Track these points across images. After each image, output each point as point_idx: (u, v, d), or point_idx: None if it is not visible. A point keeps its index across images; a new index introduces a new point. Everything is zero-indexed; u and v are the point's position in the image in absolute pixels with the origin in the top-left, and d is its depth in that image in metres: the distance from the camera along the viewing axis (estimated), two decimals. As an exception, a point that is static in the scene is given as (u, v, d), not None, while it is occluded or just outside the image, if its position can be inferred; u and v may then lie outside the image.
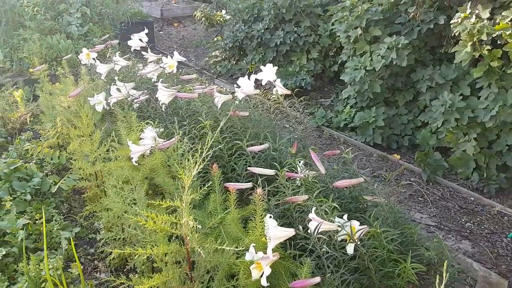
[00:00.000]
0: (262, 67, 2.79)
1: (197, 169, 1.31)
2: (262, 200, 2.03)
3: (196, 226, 1.27)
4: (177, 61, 3.10)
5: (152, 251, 1.34)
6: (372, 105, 3.89)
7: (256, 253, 1.48)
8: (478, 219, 2.90)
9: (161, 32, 7.54)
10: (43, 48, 4.66)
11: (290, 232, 1.53)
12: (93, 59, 3.37)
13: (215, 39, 6.36)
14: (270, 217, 1.55)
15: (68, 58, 3.45)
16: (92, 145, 2.08)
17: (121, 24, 6.11)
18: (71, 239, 1.86)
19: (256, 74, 2.73)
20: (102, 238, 1.98)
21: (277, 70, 5.04)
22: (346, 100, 4.17)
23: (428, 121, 3.51)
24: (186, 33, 7.50)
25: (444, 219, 2.90)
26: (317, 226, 1.60)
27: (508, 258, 2.54)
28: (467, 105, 3.17)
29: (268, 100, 2.84)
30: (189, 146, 2.12)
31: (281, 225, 2.05)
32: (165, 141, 2.07)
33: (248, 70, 5.33)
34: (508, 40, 2.81)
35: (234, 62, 5.61)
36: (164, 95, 2.43)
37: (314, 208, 1.68)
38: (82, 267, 1.91)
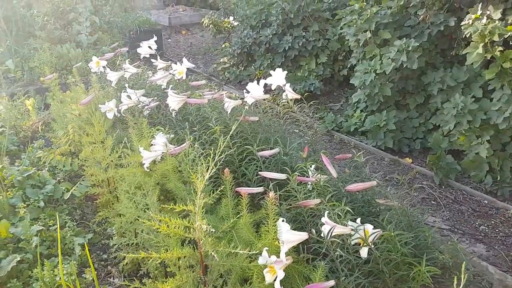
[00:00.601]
0: (271, 71, 2.79)
1: (210, 174, 1.31)
2: (274, 204, 2.03)
3: (209, 230, 1.26)
4: (186, 68, 3.13)
5: (166, 255, 1.34)
6: (383, 108, 3.87)
7: (269, 257, 1.47)
8: (492, 222, 2.85)
9: (170, 39, 7.62)
10: (53, 57, 4.73)
11: (303, 235, 1.52)
12: (103, 67, 3.41)
13: (223, 45, 6.40)
14: (283, 220, 1.54)
15: (78, 67, 3.50)
16: (104, 152, 2.10)
17: (129, 33, 6.19)
18: (85, 245, 1.87)
19: (265, 79, 2.74)
20: (115, 244, 1.99)
21: (286, 75, 5.05)
22: (356, 104, 4.15)
23: (440, 124, 3.48)
24: (194, 40, 7.56)
25: (458, 222, 2.86)
26: (330, 229, 1.59)
27: (525, 262, 2.49)
28: (479, 107, 3.13)
29: (277, 105, 2.84)
30: (200, 151, 2.13)
31: (293, 229, 2.05)
32: (176, 147, 2.08)
33: (256, 76, 5.35)
34: (520, 40, 2.78)
35: (243, 68, 5.63)
36: (174, 101, 2.45)
37: (327, 212, 1.67)
38: (95, 272, 1.91)
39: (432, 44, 3.66)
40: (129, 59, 3.88)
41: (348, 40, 4.09)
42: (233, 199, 2.03)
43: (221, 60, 5.88)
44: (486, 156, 3.06)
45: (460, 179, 3.33)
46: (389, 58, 3.53)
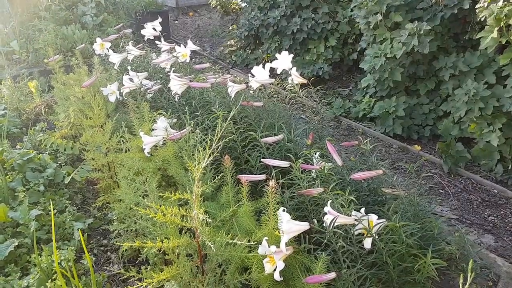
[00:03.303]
0: (277, 55, 2.71)
1: (207, 161, 1.26)
2: (276, 193, 1.98)
3: (206, 220, 1.22)
4: (191, 51, 3.05)
5: (162, 244, 1.31)
6: (392, 94, 3.77)
7: (269, 247, 1.43)
8: (502, 212, 2.78)
9: (176, 21, 7.50)
10: (58, 38, 4.67)
11: (304, 226, 1.47)
12: (107, 49, 3.35)
13: (230, 28, 6.28)
14: (284, 210, 1.49)
15: (81, 48, 3.44)
16: (104, 136, 2.06)
17: (136, 14, 6.09)
18: (81, 231, 1.84)
19: (272, 63, 2.66)
20: (115, 230, 1.96)
21: (294, 58, 4.95)
22: (365, 89, 4.05)
23: (451, 110, 3.38)
24: (201, 22, 7.43)
25: (466, 212, 2.79)
26: (332, 219, 1.54)
27: (534, 254, 2.42)
28: (492, 94, 3.02)
29: (283, 90, 2.76)
30: (201, 137, 2.08)
31: (295, 218, 2.00)
32: (176, 132, 2.02)
33: (263, 59, 5.24)
34: (538, 24, 2.65)
35: (250, 52, 5.52)
36: (176, 84, 2.39)
37: (330, 201, 1.62)
38: (94, 258, 1.90)
39: (445, 28, 3.53)
40: (133, 41, 3.82)
41: (359, 22, 3.96)
42: (235, 186, 1.99)
43: (228, 43, 5.77)
44: (498, 145, 2.97)
45: (469, 167, 3.25)
46: (400, 42, 3.41)
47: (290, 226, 1.42)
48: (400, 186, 2.18)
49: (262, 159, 1.97)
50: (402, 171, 3.21)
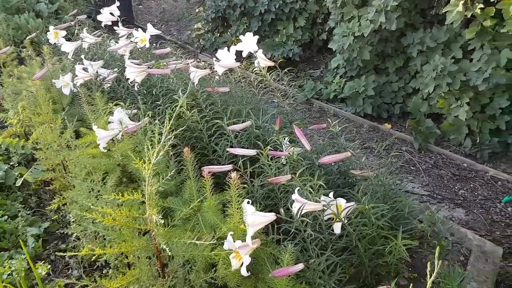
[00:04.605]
0: (241, 37, 2.60)
1: (157, 158, 1.16)
2: (245, 183, 1.90)
3: (158, 221, 1.13)
4: (157, 36, 2.89)
5: (112, 250, 1.21)
6: (362, 73, 3.72)
7: (234, 241, 1.36)
8: (472, 185, 2.81)
9: (140, 5, 7.20)
10: (11, 29, 4.38)
11: (270, 217, 1.41)
12: (63, 37, 3.14)
13: (197, 10, 6.06)
14: (248, 202, 1.41)
15: (33, 38, 3.21)
16: (53, 133, 1.91)
17: (95, 0, 5.79)
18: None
19: (236, 45, 2.55)
20: (74, 233, 1.84)
21: (263, 40, 4.81)
22: (335, 70, 3.99)
23: (419, 87, 3.37)
24: (166, 6, 7.16)
25: (437, 187, 2.81)
26: (300, 207, 1.48)
27: (502, 224, 2.46)
28: (459, 69, 3.01)
29: (251, 73, 2.66)
30: (160, 128, 1.97)
31: (265, 207, 1.94)
32: (132, 124, 1.91)
33: (233, 42, 5.09)
34: (501, -4, 2.63)
35: (218, 35, 5.35)
36: (133, 72, 2.25)
37: (297, 189, 1.55)
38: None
39: (412, 4, 3.48)
40: (88, 28, 3.60)
41: (326, 1, 3.87)
42: (201, 179, 1.91)
43: (195, 26, 5.57)
44: (466, 119, 2.98)
45: (439, 143, 3.27)
46: (367, 19, 3.35)
47: (255, 219, 1.35)
48: (372, 166, 2.14)
49: (228, 149, 1.89)
50: (374, 150, 3.20)
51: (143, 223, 1.21)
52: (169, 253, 1.13)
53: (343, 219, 1.59)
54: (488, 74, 2.83)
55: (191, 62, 2.46)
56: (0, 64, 3.03)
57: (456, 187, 2.80)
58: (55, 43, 3.14)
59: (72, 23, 3.44)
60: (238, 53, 2.53)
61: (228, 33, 5.15)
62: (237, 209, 1.41)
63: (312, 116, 3.76)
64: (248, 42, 2.54)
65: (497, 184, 2.79)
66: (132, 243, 1.17)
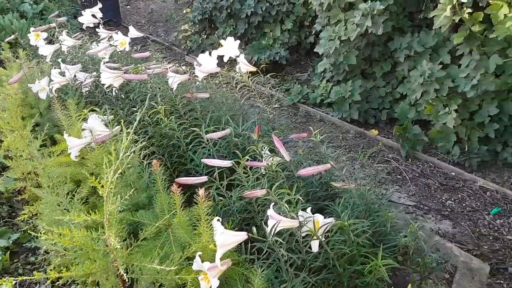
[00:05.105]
0: (222, 41, 2.53)
1: (115, 176, 1.07)
2: (222, 195, 1.82)
3: (115, 244, 1.05)
4: (142, 36, 2.79)
5: (78, 272, 1.13)
6: (349, 78, 3.66)
7: (202, 262, 1.27)
8: (459, 196, 2.75)
9: (128, 6, 7.09)
10: (-7, 29, 4.26)
11: (241, 236, 1.33)
12: (44, 39, 3.04)
13: (184, 11, 5.97)
14: (219, 220, 1.33)
15: (11, 40, 3.11)
16: (22, 141, 1.82)
17: (81, 0, 5.67)
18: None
19: (217, 50, 2.49)
20: (43, 245, 1.75)
21: (250, 43, 4.73)
22: (322, 74, 3.92)
23: (407, 93, 3.31)
24: (155, 6, 7.05)
25: (424, 197, 2.74)
26: (273, 225, 1.40)
27: (491, 238, 2.40)
28: (447, 75, 2.96)
29: (233, 79, 2.58)
30: (133, 137, 1.89)
31: (242, 221, 1.86)
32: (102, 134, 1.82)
33: (220, 44, 5.00)
34: (490, 1, 2.58)
35: (205, 37, 5.26)
36: (108, 77, 2.16)
37: (272, 204, 1.48)
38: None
39: (400, 7, 3.42)
40: (73, 30, 3.50)
41: (313, 4, 3.80)
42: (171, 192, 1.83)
43: (182, 27, 5.48)
44: (454, 126, 2.92)
45: (427, 150, 3.21)
46: (354, 23, 3.28)
47: (224, 239, 1.27)
48: (357, 175, 2.07)
49: (203, 159, 1.80)
50: (359, 158, 3.13)
51: (103, 245, 1.12)
52: (131, 276, 1.05)
53: (320, 236, 1.51)
54: (477, 80, 2.78)
55: (170, 67, 2.37)
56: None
57: (443, 198, 2.74)
58: (36, 45, 3.04)
59: (53, 25, 3.33)
60: (221, 57, 2.46)
61: (215, 35, 5.07)
62: (206, 227, 1.33)
63: (298, 121, 3.69)
64: (230, 47, 2.47)
65: (486, 195, 2.73)
66: (92, 265, 1.09)
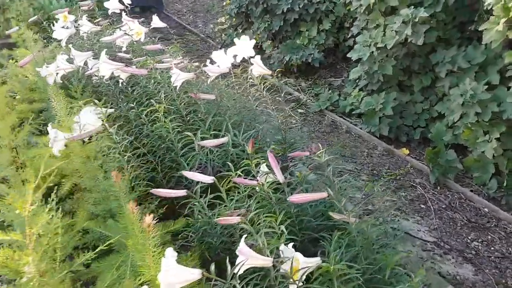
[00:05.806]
0: (236, 39, 2.35)
1: (36, 194, 0.92)
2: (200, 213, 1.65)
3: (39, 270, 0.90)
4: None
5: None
6: (384, 89, 3.34)
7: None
8: (489, 237, 2.40)
9: (173, -6, 7.05)
10: (32, 8, 4.34)
11: (194, 275, 1.14)
12: (75, 21, 3.02)
13: (224, 3, 5.82)
14: (177, 251, 1.15)
15: (34, 20, 3.11)
16: (5, 129, 1.74)
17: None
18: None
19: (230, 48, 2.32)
20: None
21: (284, 41, 4.48)
22: (356, 81, 3.62)
23: (445, 112, 2.95)
24: (199, -4, 6.97)
25: (447, 234, 2.42)
26: (238, 264, 1.20)
27: (519, 293, 2.06)
28: (492, 97, 2.58)
29: (245, 80, 2.39)
30: (120, 138, 1.76)
31: (224, 244, 1.68)
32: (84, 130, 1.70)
33: (255, 39, 4.81)
34: (552, 17, 2.19)
35: (241, 31, 5.09)
36: (107, 68, 2.04)
37: (244, 237, 1.28)
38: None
39: (449, 16, 3.05)
40: (99, 15, 3.45)
41: (352, 4, 3.50)
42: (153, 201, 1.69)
43: (219, 20, 5.34)
44: (493, 156, 2.55)
45: (460, 179, 2.85)
46: (393, 29, 2.96)
47: (172, 279, 1.09)
48: (375, 199, 1.83)
49: (183, 172, 1.63)
50: (383, 178, 2.84)
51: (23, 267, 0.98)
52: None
53: (297, 282, 1.30)
54: (527, 107, 2.40)
55: (175, 63, 2.21)
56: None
57: (469, 237, 2.39)
58: (65, 26, 3.02)
59: (85, 7, 3.31)
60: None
61: (251, 30, 4.87)
62: (158, 258, 1.16)
63: (321, 131, 3.43)
64: (243, 46, 2.28)
65: (521, 239, 2.36)
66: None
